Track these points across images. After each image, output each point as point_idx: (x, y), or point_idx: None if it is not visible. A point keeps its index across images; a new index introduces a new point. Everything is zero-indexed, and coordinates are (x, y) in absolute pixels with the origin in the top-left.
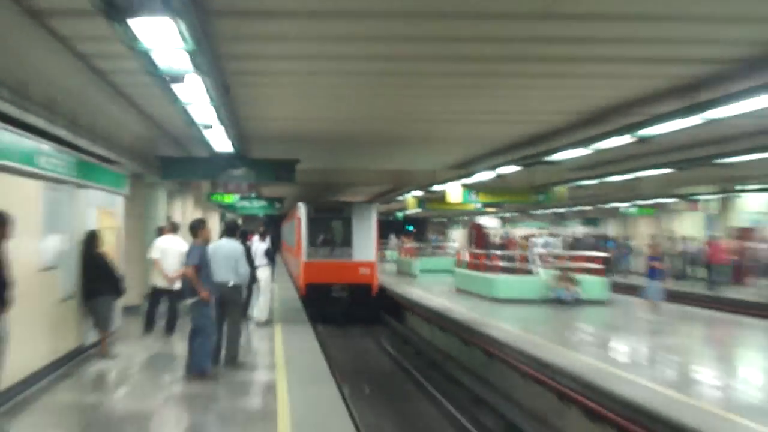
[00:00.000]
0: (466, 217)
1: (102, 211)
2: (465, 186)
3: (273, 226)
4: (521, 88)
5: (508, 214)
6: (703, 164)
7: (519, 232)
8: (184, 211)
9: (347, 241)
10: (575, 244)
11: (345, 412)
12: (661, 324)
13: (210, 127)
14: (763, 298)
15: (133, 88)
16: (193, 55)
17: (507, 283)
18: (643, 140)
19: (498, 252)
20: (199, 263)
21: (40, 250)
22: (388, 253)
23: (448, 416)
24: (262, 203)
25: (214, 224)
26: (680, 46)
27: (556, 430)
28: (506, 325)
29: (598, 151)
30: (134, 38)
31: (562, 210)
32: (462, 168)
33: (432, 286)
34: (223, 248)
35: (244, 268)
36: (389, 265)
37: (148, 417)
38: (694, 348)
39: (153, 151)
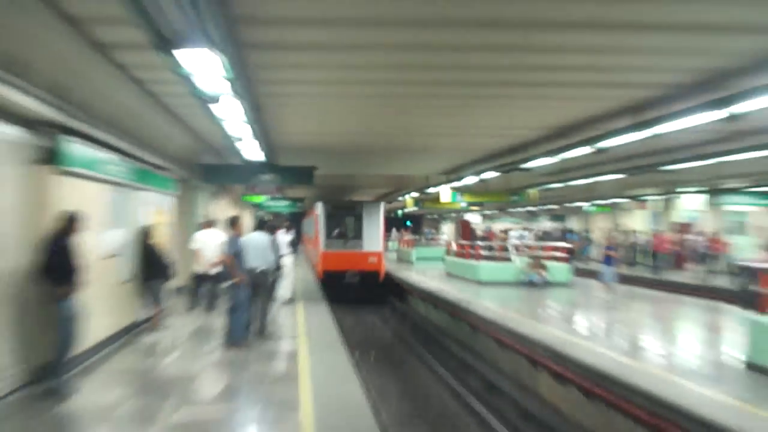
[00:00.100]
0: (454, 214)
1: (156, 209)
2: (453, 188)
3: (295, 221)
4: (500, 108)
5: (488, 212)
6: (649, 171)
7: (498, 226)
8: (222, 209)
9: (358, 234)
10: (544, 236)
11: (354, 374)
12: (615, 302)
13: (244, 140)
14: (697, 280)
15: (180, 108)
16: (230, 80)
17: (488, 269)
18: (600, 151)
19: (481, 243)
20: (235, 252)
21: (106, 242)
22: (390, 244)
23: (439, 378)
24: (286, 202)
25: (247, 220)
26: (630, 73)
27: (528, 389)
28: (488, 303)
29: (564, 160)
30: (181, 67)
31: (533, 208)
32: (451, 173)
33: (426, 271)
34: (254, 240)
35: (272, 256)
36: (391, 254)
37: (193, 378)
38: (640, 321)
39: (197, 159)
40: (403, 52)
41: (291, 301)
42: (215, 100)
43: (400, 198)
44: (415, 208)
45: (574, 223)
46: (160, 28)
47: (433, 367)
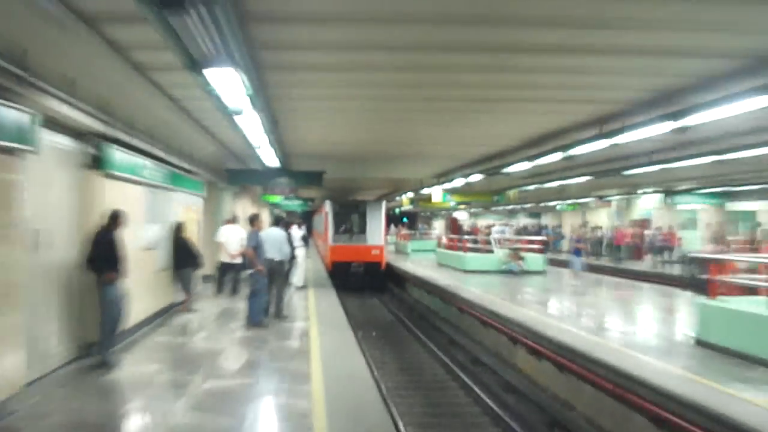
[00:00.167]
0: (444, 212)
1: (186, 208)
2: (444, 190)
3: (306, 218)
4: (484, 120)
5: (474, 210)
6: (612, 174)
7: (482, 222)
8: (244, 208)
9: (362, 230)
10: (522, 231)
11: (358, 349)
12: (582, 287)
13: (263, 148)
14: (653, 269)
15: (208, 120)
16: (251, 97)
17: (474, 259)
18: (569, 158)
19: (467, 237)
20: (255, 245)
21: (144, 236)
22: (390, 238)
23: (431, 352)
24: (299, 201)
25: (265, 217)
26: (595, 91)
27: (508, 362)
28: (473, 289)
29: (538, 165)
30: (210, 86)
31: (513, 207)
32: (442, 177)
33: (420, 261)
34: (271, 234)
35: (287, 249)
36: (390, 247)
37: (220, 353)
38: (604, 304)
39: (222, 164)
40: (400, 72)
41: (303, 287)
42: (238, 114)
43: (398, 198)
44: (411, 207)
45: (548, 220)
46: (191, 51)
47: (425, 344)
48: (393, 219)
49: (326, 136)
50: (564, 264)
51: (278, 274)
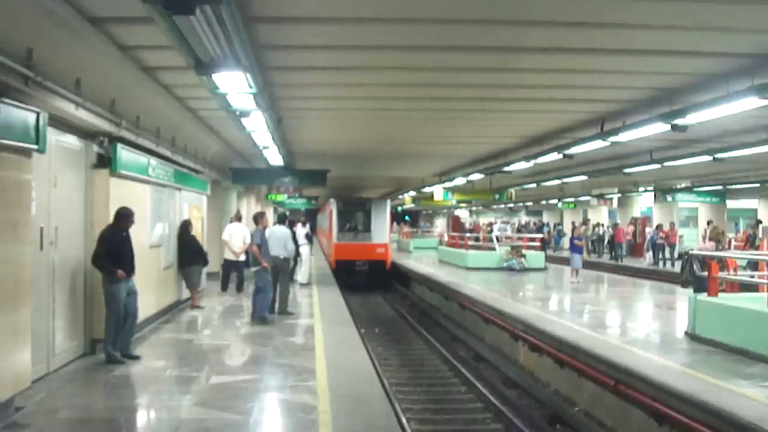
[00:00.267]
0: (445, 210)
1: (192, 206)
2: (445, 188)
3: (311, 216)
4: (484, 120)
5: (475, 208)
6: (612, 173)
7: (483, 220)
8: (249, 206)
9: (367, 228)
10: (521, 228)
11: (362, 345)
12: (581, 284)
13: (267, 147)
14: (651, 266)
15: (213, 120)
16: (256, 97)
17: (475, 256)
18: (569, 156)
19: (468, 234)
20: (260, 243)
21: (151, 234)
22: (392, 236)
23: (433, 348)
24: (303, 200)
25: (269, 215)
26: (595, 91)
27: (509, 357)
28: (474, 286)
29: (538, 164)
30: (215, 86)
31: (512, 205)
32: (443, 175)
33: (422, 258)
34: (276, 232)
35: (291, 246)
36: (392, 245)
37: (226, 348)
38: (602, 300)
39: (227, 164)
40: (402, 73)
41: (308, 284)
42: (246, 114)
43: (400, 196)
44: (413, 205)
45: (548, 218)
46: (196, 52)
47: (428, 340)
48: (395, 217)
49: (330, 135)
50: (564, 261)
51: (283, 271)
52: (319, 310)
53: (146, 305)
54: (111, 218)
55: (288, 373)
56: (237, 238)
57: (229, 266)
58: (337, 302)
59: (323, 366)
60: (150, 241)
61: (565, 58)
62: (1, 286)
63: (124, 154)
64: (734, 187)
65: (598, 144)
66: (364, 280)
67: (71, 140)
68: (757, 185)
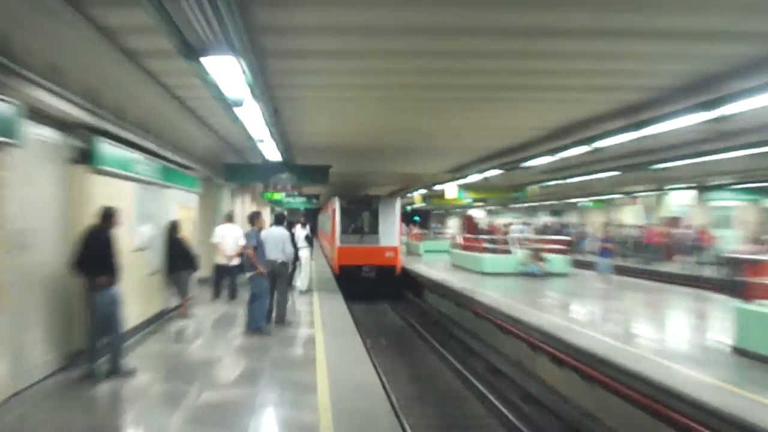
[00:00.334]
0: (459, 210)
1: (181, 205)
2: (458, 186)
3: (311, 217)
4: (502, 110)
5: (491, 207)
6: (641, 169)
7: (500, 221)
8: (243, 205)
9: (374, 229)
10: (543, 230)
11: (367, 358)
12: (609, 291)
13: (263, 141)
14: (686, 270)
15: (204, 111)
16: (250, 85)
17: (491, 261)
18: (595, 150)
19: (484, 236)
20: (256, 245)
21: (135, 236)
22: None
23: (445, 361)
24: (303, 199)
25: (266, 215)
26: (624, 78)
27: (528, 372)
28: (490, 293)
29: (561, 159)
30: (206, 73)
31: (533, 204)
32: (456, 172)
33: (433, 262)
34: (273, 234)
35: (290, 249)
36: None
37: (218, 362)
38: (633, 309)
39: (219, 159)
40: (411, 59)
41: (308, 291)
42: (239, 104)
43: (409, 195)
44: (423, 204)
45: (571, 218)
46: (186, 36)
47: (439, 352)
48: (404, 217)
49: (332, 127)
50: (589, 266)
51: (281, 276)
52: (320, 320)
53: (131, 315)
54: (92, 218)
55: (287, 389)
56: (229, 240)
57: (220, 271)
58: (341, 311)
59: (325, 380)
60: (134, 243)
61: (590, 41)
62: None
63: (106, 148)
64: None
65: (627, 136)
66: (372, 287)
67: (48, 133)
68: None
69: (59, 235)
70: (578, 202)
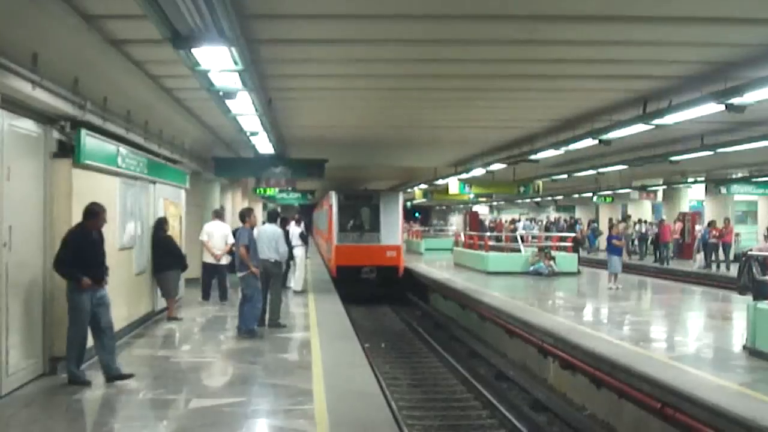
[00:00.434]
0: (461, 206)
1: (168, 201)
2: (461, 180)
3: (304, 214)
4: (506, 100)
5: (495, 203)
6: (655, 161)
7: (505, 217)
8: (234, 202)
9: (375, 226)
10: (550, 226)
11: (366, 362)
12: (620, 291)
13: (256, 133)
14: (702, 269)
15: (193, 102)
16: (242, 75)
17: (496, 259)
18: (606, 142)
19: (488, 234)
20: (248, 244)
21: (119, 234)
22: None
23: (448, 366)
24: (297, 195)
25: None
26: (636, 65)
27: (537, 377)
28: (496, 293)
29: (570, 151)
30: (195, 62)
31: (539, 199)
32: (459, 165)
33: (435, 261)
34: (266, 231)
35: (284, 248)
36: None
37: (208, 367)
38: (644, 310)
39: (209, 152)
40: (410, 46)
41: (303, 292)
42: (230, 95)
43: (409, 190)
44: (424, 200)
45: (581, 214)
46: (172, 21)
47: (442, 356)
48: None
49: (328, 119)
50: (599, 264)
51: (274, 276)
52: (316, 322)
53: (115, 317)
54: (74, 215)
55: (280, 396)
56: (217, 238)
57: (209, 271)
58: (337, 312)
59: (321, 387)
60: (120, 242)
61: (600, 27)
62: None
63: (89, 141)
64: None
65: (639, 128)
66: (372, 290)
67: (27, 125)
68: None
69: (39, 233)
70: (589, 196)
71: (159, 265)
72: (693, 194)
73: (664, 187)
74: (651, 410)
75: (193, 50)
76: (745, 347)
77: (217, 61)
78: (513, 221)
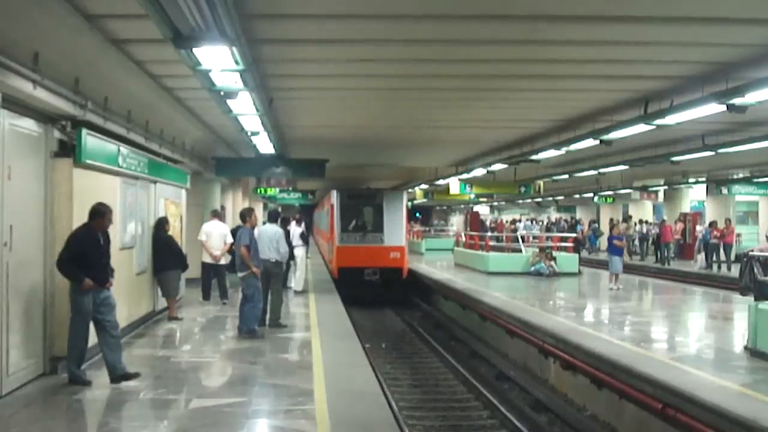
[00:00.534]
0: (462, 206)
1: (169, 201)
2: (462, 180)
3: (307, 213)
4: (507, 100)
5: (496, 203)
6: (656, 161)
7: (506, 217)
8: (234, 202)
9: (378, 227)
10: (551, 227)
11: (366, 363)
12: (620, 291)
13: (257, 133)
14: (704, 269)
15: (194, 101)
16: (243, 75)
17: (497, 259)
18: (607, 142)
19: (489, 234)
20: (248, 244)
21: (120, 233)
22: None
23: (449, 366)
24: (298, 195)
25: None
26: (638, 65)
27: (537, 377)
28: (497, 293)
29: (572, 151)
30: (197, 62)
31: (540, 199)
32: (460, 166)
33: (436, 261)
34: (266, 231)
35: (284, 248)
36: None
37: (209, 367)
38: (645, 310)
39: (209, 152)
40: (411, 46)
41: (303, 292)
42: (231, 95)
43: (410, 190)
44: (425, 200)
45: (582, 214)
46: (173, 20)
47: (443, 356)
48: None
49: (329, 119)
50: (599, 264)
51: (275, 276)
52: (316, 322)
53: (117, 317)
54: (75, 215)
55: (281, 396)
56: (216, 238)
57: (208, 271)
58: (338, 312)
59: (322, 387)
60: (120, 242)
61: (601, 27)
62: None
63: (90, 140)
64: None
65: (640, 128)
66: (375, 292)
67: (28, 125)
68: None
69: (40, 232)
70: (590, 197)
71: (159, 265)
72: (694, 194)
73: (665, 187)
74: (652, 411)
75: (194, 50)
76: (746, 348)
77: (219, 60)
78: (514, 221)
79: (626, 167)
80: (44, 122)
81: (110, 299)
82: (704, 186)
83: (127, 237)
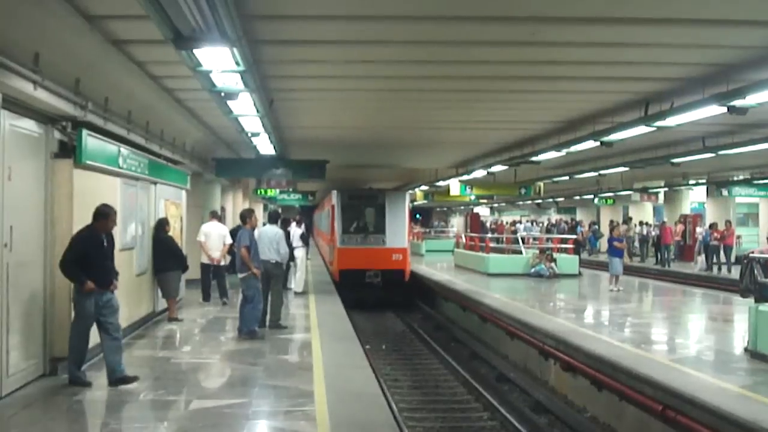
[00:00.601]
0: (462, 207)
1: (169, 202)
2: (462, 182)
3: (307, 214)
4: (508, 101)
5: (497, 204)
6: (656, 163)
7: (506, 219)
8: (235, 203)
9: (380, 228)
10: (551, 228)
11: (367, 364)
12: (621, 293)
13: (257, 134)
14: (704, 271)
15: (194, 102)
16: (244, 76)
17: (497, 261)
18: (608, 144)
19: (490, 236)
20: (249, 245)
21: (120, 234)
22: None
23: (449, 367)
24: (298, 196)
25: (259, 213)
26: (638, 67)
27: (538, 378)
28: (497, 295)
29: (572, 153)
30: (197, 63)
31: (540, 201)
32: (460, 167)
33: (436, 263)
34: (267, 233)
35: (284, 249)
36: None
37: (209, 368)
38: (645, 312)
39: (209, 153)
40: (411, 47)
41: (303, 293)
42: (232, 96)
43: (411, 191)
44: (425, 201)
45: (582, 216)
46: (174, 21)
47: (443, 358)
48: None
49: (329, 120)
50: (600, 266)
51: (275, 277)
52: (316, 323)
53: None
54: (75, 216)
55: (281, 397)
56: (214, 239)
57: (206, 272)
58: (338, 314)
59: (322, 388)
60: (121, 243)
61: (602, 29)
62: None
63: (90, 141)
64: None
65: (641, 129)
66: (376, 295)
67: (28, 125)
68: None
69: (40, 233)
70: (590, 198)
71: (160, 266)
72: (694, 196)
73: (666, 189)
74: (652, 412)
75: (194, 51)
76: (746, 350)
77: (219, 61)
78: (514, 223)
79: (626, 169)
80: (45, 123)
81: (113, 302)
82: (704, 188)
83: (127, 238)
